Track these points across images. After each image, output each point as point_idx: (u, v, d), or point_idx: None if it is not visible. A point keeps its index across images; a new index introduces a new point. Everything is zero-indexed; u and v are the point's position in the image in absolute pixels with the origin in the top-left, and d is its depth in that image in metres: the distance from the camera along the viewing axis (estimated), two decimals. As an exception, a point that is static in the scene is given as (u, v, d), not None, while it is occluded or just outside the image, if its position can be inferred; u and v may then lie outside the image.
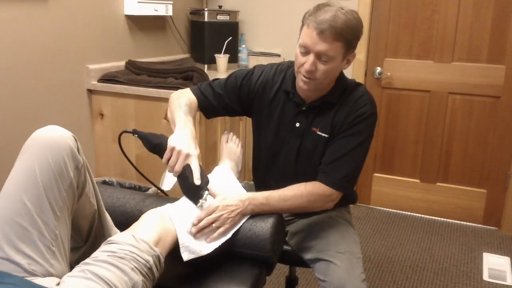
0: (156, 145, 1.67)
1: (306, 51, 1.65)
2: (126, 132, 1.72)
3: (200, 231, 1.55)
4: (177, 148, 1.59)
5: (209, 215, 1.57)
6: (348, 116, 1.75)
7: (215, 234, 1.56)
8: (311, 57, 1.64)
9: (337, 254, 1.73)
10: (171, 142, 1.61)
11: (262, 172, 2.00)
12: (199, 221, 1.55)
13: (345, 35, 1.61)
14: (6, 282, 1.09)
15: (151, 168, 2.66)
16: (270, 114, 1.89)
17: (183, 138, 1.63)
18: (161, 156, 1.65)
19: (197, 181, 1.58)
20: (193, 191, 1.61)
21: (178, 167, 1.59)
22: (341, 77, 1.82)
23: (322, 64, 1.65)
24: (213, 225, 1.56)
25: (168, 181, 2.46)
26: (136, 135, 1.70)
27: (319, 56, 1.63)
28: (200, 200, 1.59)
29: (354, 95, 1.78)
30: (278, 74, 1.89)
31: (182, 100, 1.82)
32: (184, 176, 1.60)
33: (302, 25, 1.68)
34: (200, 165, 1.62)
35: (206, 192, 1.60)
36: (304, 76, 1.68)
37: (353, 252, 1.76)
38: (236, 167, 1.99)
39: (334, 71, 1.70)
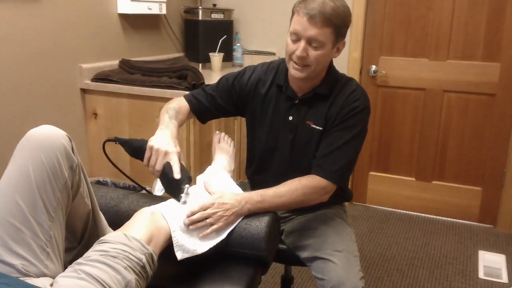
0: (136, 148, 1.70)
1: (297, 38, 1.68)
2: (109, 140, 1.76)
3: (193, 224, 1.54)
4: (155, 147, 1.62)
5: (204, 210, 1.57)
6: (341, 110, 1.77)
7: (208, 231, 1.56)
8: (302, 43, 1.67)
9: (334, 252, 1.72)
10: (150, 142, 1.64)
11: (258, 169, 2.00)
12: (193, 214, 1.55)
13: (334, 21, 1.64)
14: (-1, 282, 1.08)
15: (145, 169, 2.65)
16: (264, 110, 1.91)
17: (162, 138, 1.66)
18: (142, 159, 1.67)
19: (176, 175, 1.59)
20: (173, 186, 1.61)
21: (158, 166, 1.62)
22: (332, 68, 1.85)
23: (313, 50, 1.67)
24: (207, 220, 1.56)
25: (160, 187, 2.47)
26: (117, 142, 1.74)
27: (309, 42, 1.66)
28: (182, 195, 1.59)
29: (347, 89, 1.80)
30: (271, 71, 1.92)
31: (171, 105, 1.88)
32: (165, 173, 1.61)
33: (292, 14, 1.71)
34: (181, 163, 1.63)
35: (187, 186, 1.60)
36: (296, 63, 1.71)
37: (351, 250, 1.76)
38: (229, 166, 1.99)
39: (324, 58, 1.72)
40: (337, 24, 1.66)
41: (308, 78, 1.76)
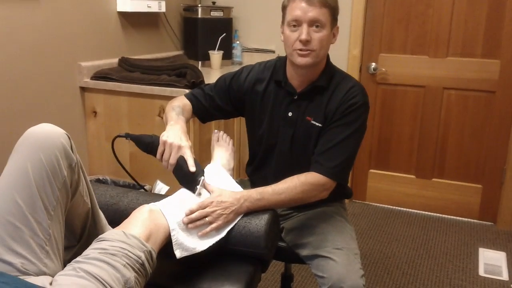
0: (148, 144, 1.72)
1: (297, 23, 1.71)
2: (120, 136, 1.78)
3: (192, 223, 1.55)
4: (169, 142, 1.63)
5: (203, 209, 1.57)
6: (340, 106, 1.78)
7: (208, 229, 1.56)
8: (304, 27, 1.70)
9: (335, 250, 1.72)
10: (163, 137, 1.66)
11: (258, 167, 2.01)
12: (192, 212, 1.56)
13: (330, 2, 1.71)
14: (-2, 280, 1.08)
15: (145, 167, 2.65)
16: (263, 108, 1.91)
17: (174, 132, 1.68)
18: (155, 154, 1.69)
19: (192, 168, 1.61)
20: (189, 178, 1.63)
21: (172, 159, 1.63)
22: (329, 61, 1.87)
23: (315, 33, 1.71)
24: (206, 219, 1.56)
25: (160, 188, 2.47)
26: (129, 139, 1.76)
27: (311, 23, 1.70)
28: (197, 187, 1.61)
29: (345, 85, 1.81)
30: (268, 69, 1.93)
31: (175, 104, 1.90)
32: (179, 166, 1.63)
33: (285, 7, 1.76)
34: (194, 157, 1.65)
35: (202, 178, 1.63)
36: (301, 50, 1.72)
37: (351, 248, 1.76)
38: (228, 165, 1.99)
39: (326, 41, 1.75)
40: (331, 5, 1.72)
41: (313, 65, 1.77)
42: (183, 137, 1.67)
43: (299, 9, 1.69)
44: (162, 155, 1.65)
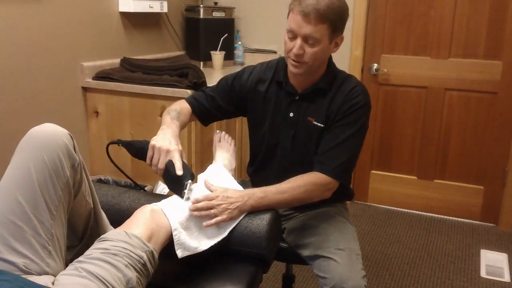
0: (139, 149, 1.72)
1: (293, 35, 1.70)
2: (112, 143, 1.77)
3: (198, 211, 1.55)
4: (157, 146, 1.63)
5: (209, 200, 1.58)
6: (342, 106, 1.78)
7: (212, 221, 1.56)
8: (298, 41, 1.68)
9: (337, 250, 1.72)
10: (152, 141, 1.65)
11: (259, 167, 2.01)
12: (197, 202, 1.56)
13: (329, 16, 1.64)
14: (0, 279, 1.08)
15: (147, 167, 2.65)
16: (265, 108, 1.92)
17: (164, 136, 1.68)
18: (145, 159, 1.68)
19: (179, 171, 1.59)
20: (176, 182, 1.62)
21: (161, 164, 1.63)
22: (331, 63, 1.86)
23: (309, 47, 1.69)
24: (211, 211, 1.57)
25: (162, 189, 2.47)
26: (120, 145, 1.75)
27: (305, 39, 1.67)
28: (185, 191, 1.59)
29: (347, 86, 1.81)
30: (270, 69, 1.93)
31: (172, 107, 1.91)
32: (167, 170, 1.62)
33: (289, 11, 1.72)
34: (183, 160, 1.64)
35: (189, 181, 1.61)
36: (293, 60, 1.72)
37: (353, 248, 1.76)
38: (229, 165, 1.99)
39: (322, 54, 1.73)
40: (332, 19, 1.65)
41: (306, 74, 1.77)
42: (173, 140, 1.66)
43: (295, 23, 1.66)
44: (152, 160, 1.65)
